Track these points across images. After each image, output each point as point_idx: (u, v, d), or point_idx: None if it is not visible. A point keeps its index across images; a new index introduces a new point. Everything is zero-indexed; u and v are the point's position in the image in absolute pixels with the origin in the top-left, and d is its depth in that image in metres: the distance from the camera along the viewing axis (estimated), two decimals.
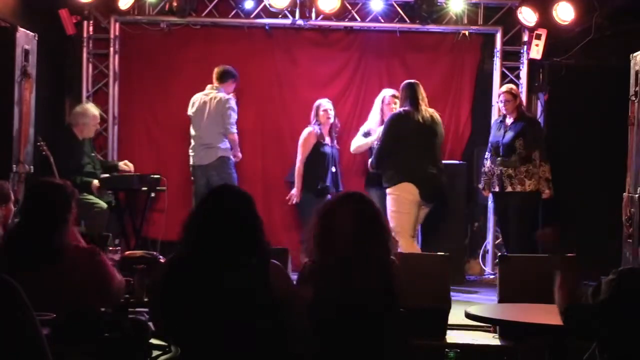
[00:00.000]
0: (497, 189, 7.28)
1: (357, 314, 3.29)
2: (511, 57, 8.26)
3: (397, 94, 7.37)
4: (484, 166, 7.46)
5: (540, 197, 7.25)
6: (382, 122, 7.33)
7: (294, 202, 7.66)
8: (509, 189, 7.19)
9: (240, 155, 7.71)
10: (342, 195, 3.58)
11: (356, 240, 3.33)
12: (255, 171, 8.19)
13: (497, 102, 7.51)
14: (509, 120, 7.33)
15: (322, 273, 3.33)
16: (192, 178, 7.69)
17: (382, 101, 7.40)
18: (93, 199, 7.11)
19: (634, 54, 6.72)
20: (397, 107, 7.32)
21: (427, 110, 6.93)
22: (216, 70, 7.67)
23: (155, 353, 3.67)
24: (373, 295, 3.31)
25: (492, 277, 7.85)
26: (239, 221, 3.13)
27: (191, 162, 7.65)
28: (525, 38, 8.10)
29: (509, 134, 7.24)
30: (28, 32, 6.72)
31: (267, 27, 8.24)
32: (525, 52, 8.12)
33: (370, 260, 3.33)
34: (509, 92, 7.35)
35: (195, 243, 3.12)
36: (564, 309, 3.43)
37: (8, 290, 2.54)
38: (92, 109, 7.59)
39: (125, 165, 7.64)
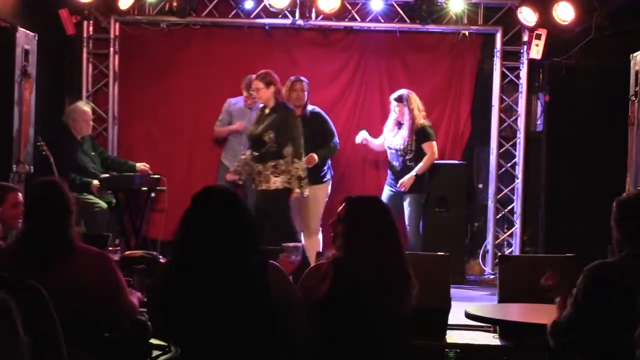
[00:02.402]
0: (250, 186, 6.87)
1: (368, 317, 3.31)
2: (511, 57, 8.25)
3: (398, 96, 7.40)
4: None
5: (288, 196, 6.75)
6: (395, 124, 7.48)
7: None
8: (257, 187, 6.78)
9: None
10: (366, 200, 3.60)
11: (376, 246, 3.35)
12: None
13: (251, 91, 7.12)
14: (266, 111, 6.83)
15: (339, 275, 3.34)
16: None
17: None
18: (93, 199, 7.11)
19: (634, 54, 6.73)
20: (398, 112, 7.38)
21: None
22: None
23: (155, 353, 3.68)
24: (388, 301, 3.33)
25: (492, 277, 7.85)
26: (227, 221, 3.12)
27: None
28: (525, 38, 8.10)
29: (261, 126, 6.75)
30: (28, 32, 6.72)
31: (267, 27, 8.23)
32: (525, 52, 8.11)
33: (388, 267, 3.36)
34: (259, 78, 6.82)
35: (190, 244, 3.12)
36: (548, 331, 3.56)
37: (36, 298, 2.54)
38: (82, 106, 7.59)
39: (144, 167, 7.64)
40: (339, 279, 3.32)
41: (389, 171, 7.54)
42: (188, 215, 3.17)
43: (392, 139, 7.44)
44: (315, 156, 7.03)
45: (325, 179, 7.31)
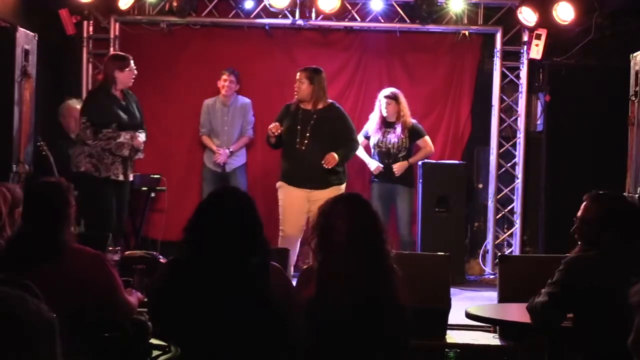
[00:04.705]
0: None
1: (355, 318, 3.28)
2: (511, 57, 8.25)
3: (391, 93, 7.38)
4: None
5: None
6: (381, 122, 7.40)
7: None
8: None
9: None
10: (340, 197, 3.53)
11: (351, 245, 3.30)
12: (255, 172, 8.18)
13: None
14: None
15: (320, 276, 3.32)
16: None
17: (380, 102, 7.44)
18: None
19: (634, 54, 6.73)
20: (389, 108, 7.35)
21: None
22: None
23: (155, 353, 3.67)
24: (370, 300, 3.29)
25: (492, 277, 7.85)
26: (239, 222, 3.12)
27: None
28: (525, 38, 8.09)
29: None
30: (28, 32, 6.72)
31: (267, 27, 8.24)
32: (525, 52, 8.11)
33: (366, 265, 3.31)
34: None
35: (195, 244, 3.12)
36: (527, 307, 3.83)
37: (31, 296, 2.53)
38: (71, 103, 7.59)
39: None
40: (319, 282, 3.30)
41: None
42: (197, 212, 3.17)
43: (382, 137, 7.44)
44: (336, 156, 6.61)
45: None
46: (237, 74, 7.90)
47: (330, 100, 6.83)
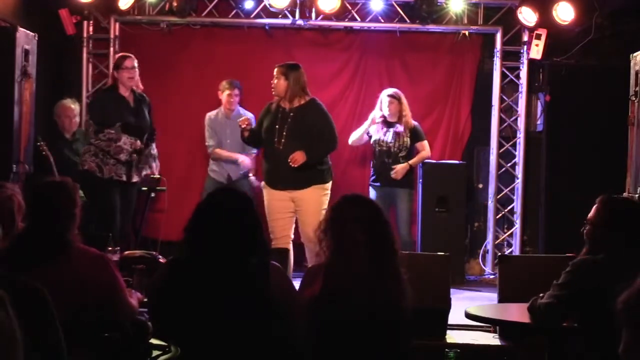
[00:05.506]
0: None
1: (361, 321, 3.28)
2: (511, 57, 8.26)
3: (394, 93, 7.39)
4: None
5: None
6: (382, 122, 7.43)
7: None
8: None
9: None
10: (349, 199, 3.52)
11: (362, 247, 3.31)
12: (255, 172, 8.17)
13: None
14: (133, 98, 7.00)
15: (328, 276, 3.32)
16: None
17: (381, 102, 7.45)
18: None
19: (634, 54, 6.73)
20: (391, 107, 7.35)
21: None
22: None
23: (155, 353, 3.67)
24: (375, 301, 3.29)
25: (492, 277, 7.86)
26: (239, 222, 3.13)
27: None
28: (525, 38, 8.10)
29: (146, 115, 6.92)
30: (28, 32, 6.72)
31: (267, 27, 8.24)
32: (525, 52, 8.12)
33: (375, 267, 3.32)
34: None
35: (195, 244, 3.12)
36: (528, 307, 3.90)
37: (38, 299, 2.54)
38: (65, 103, 7.59)
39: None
40: (327, 281, 3.30)
41: (373, 170, 7.53)
42: (196, 213, 3.17)
43: (383, 136, 7.43)
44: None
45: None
46: (240, 87, 7.83)
47: (310, 97, 6.54)
